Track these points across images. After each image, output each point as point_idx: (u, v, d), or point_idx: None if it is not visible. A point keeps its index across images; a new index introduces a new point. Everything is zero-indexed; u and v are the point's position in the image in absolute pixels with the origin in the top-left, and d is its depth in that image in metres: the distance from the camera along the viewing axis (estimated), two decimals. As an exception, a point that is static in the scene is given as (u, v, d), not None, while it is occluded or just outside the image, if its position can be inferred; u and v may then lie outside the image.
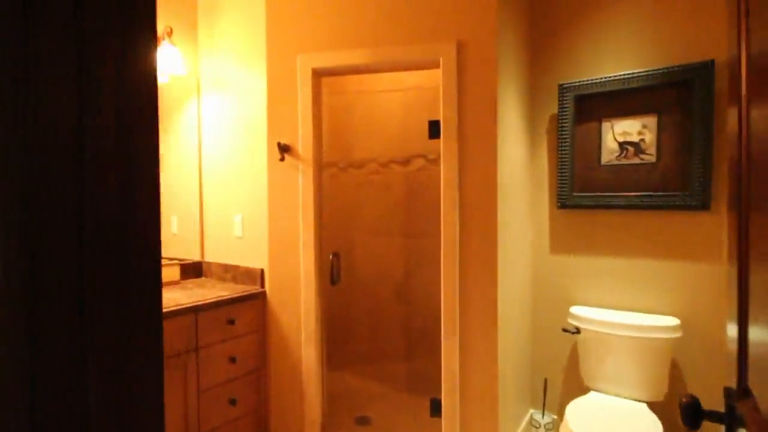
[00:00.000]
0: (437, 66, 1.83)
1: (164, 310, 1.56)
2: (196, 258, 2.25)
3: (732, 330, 0.65)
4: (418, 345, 2.52)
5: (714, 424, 0.69)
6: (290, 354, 1.94)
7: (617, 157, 1.97)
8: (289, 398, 1.95)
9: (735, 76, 0.65)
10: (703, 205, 1.78)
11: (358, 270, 2.52)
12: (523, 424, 2.09)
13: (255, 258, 2.01)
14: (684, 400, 0.66)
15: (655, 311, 1.91)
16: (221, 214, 2.18)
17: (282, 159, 1.89)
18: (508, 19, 1.84)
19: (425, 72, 2.39)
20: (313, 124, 1.91)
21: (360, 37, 1.83)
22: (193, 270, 2.21)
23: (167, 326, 1.57)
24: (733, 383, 0.64)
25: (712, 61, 1.75)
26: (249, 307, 1.88)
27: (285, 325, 1.94)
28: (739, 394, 0.60)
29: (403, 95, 2.37)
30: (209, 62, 2.21)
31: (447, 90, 1.78)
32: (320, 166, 1.94)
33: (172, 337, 1.59)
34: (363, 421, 2.29)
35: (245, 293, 1.86)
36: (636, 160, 1.94)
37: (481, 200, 1.74)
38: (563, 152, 2.06)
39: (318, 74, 1.94)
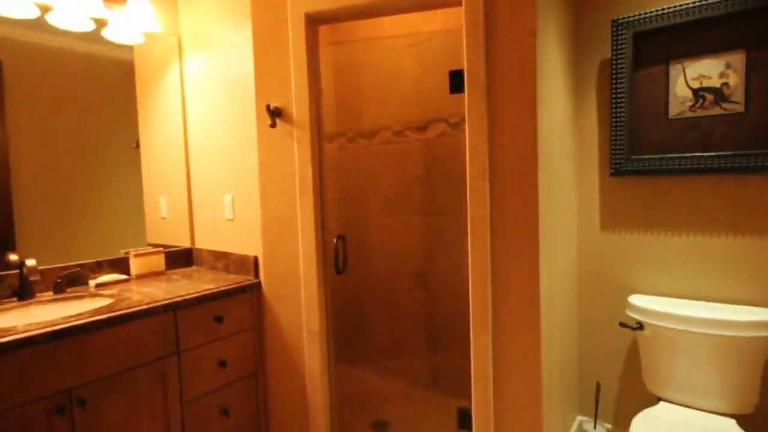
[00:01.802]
0: (458, 2, 1.46)
1: (134, 309, 1.30)
2: (186, 244, 1.99)
3: None
4: (442, 337, 2.21)
5: None
6: (291, 354, 1.66)
7: (691, 108, 1.56)
8: (292, 405, 1.68)
9: None
10: (813, 163, 1.36)
11: (371, 255, 2.21)
12: (570, 434, 1.75)
13: (248, 244, 1.73)
14: None
15: (742, 302, 1.52)
16: (211, 193, 1.90)
17: (273, 125, 1.58)
18: (550, -68, 1.44)
19: (446, 13, 2.01)
20: (309, 83, 1.58)
21: (362, -31, 1.47)
22: (182, 258, 1.96)
23: (137, 328, 1.31)
24: None
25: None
26: (240, 301, 1.61)
27: (284, 320, 1.66)
28: None
29: (420, 46, 2.01)
30: (191, 16, 1.90)
31: (471, 30, 1.41)
32: (320, 133, 1.62)
33: (144, 341, 1.33)
34: (380, 426, 2.01)
35: (235, 285, 1.59)
36: (716, 111, 1.52)
37: (516, 168, 1.38)
38: (618, 105, 1.66)
39: (313, 21, 1.60)
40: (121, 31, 1.76)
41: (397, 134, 2.05)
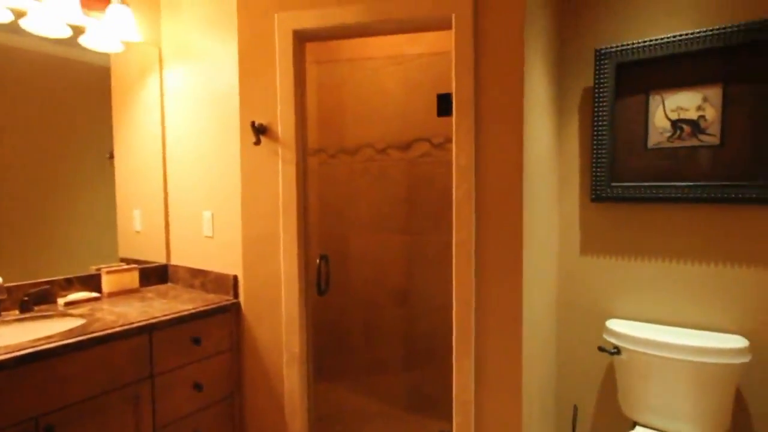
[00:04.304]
0: (448, 26, 1.47)
1: (107, 332, 1.24)
2: (162, 261, 1.92)
3: None
4: (422, 356, 2.20)
5: None
6: (270, 376, 1.62)
7: (669, 138, 1.60)
8: (270, 427, 1.64)
9: None
10: (783, 198, 1.42)
11: (352, 272, 2.19)
12: (547, 455, 1.76)
13: (227, 262, 1.68)
14: None
15: (716, 328, 1.56)
16: (189, 209, 1.84)
17: (257, 142, 1.54)
18: (538, -37, 1.46)
19: (431, 37, 2.02)
20: (295, 101, 1.56)
21: (351, -11, 1.47)
22: (156, 275, 1.89)
23: (110, 351, 1.25)
24: None
25: (801, 14, 1.37)
26: (218, 321, 1.56)
27: (263, 342, 1.62)
28: None
29: (405, 67, 2.01)
30: (173, 28, 1.86)
31: (461, 55, 1.42)
32: (305, 152, 1.60)
33: (117, 365, 1.27)
34: (359, 447, 1.99)
35: (213, 306, 1.54)
36: (693, 142, 1.57)
37: (502, 191, 1.39)
38: (600, 133, 1.70)
39: (301, 38, 1.58)
40: (100, 39, 1.70)
41: (380, 152, 2.04)
